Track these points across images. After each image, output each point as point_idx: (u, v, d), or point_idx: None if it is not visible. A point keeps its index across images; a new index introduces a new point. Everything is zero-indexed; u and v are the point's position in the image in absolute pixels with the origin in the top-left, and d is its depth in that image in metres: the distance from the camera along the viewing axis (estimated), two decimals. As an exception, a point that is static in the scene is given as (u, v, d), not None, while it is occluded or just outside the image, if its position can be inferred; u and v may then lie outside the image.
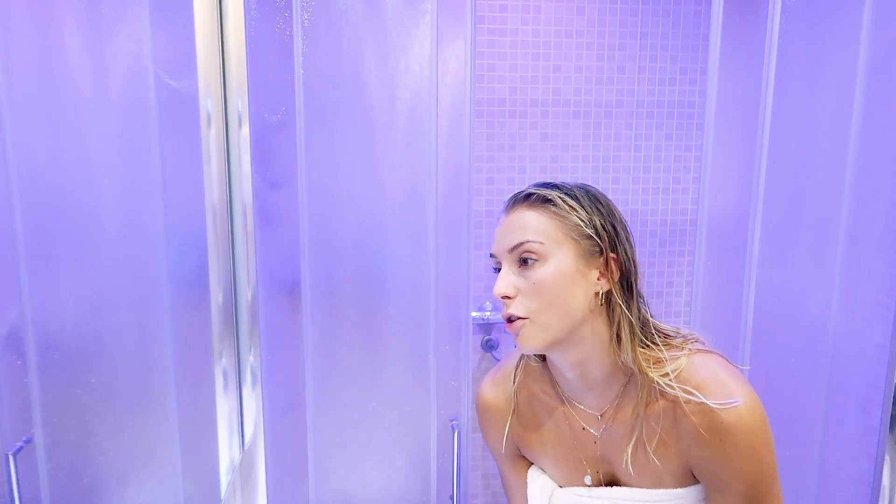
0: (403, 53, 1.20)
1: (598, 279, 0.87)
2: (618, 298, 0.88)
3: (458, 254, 1.27)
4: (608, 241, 0.88)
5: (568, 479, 0.98)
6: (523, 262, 0.86)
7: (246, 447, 1.54)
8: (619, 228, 0.89)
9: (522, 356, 1.02)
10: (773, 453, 0.84)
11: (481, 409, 1.04)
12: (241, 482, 1.51)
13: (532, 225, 0.87)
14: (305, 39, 1.17)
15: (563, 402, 0.96)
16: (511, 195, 0.93)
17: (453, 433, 1.31)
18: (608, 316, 0.89)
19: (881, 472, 1.31)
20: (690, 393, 0.84)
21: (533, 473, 1.02)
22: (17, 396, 1.10)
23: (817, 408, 1.34)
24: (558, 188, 0.90)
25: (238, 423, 1.55)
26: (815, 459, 1.35)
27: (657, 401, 0.87)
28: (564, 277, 0.85)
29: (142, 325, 1.16)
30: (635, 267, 0.90)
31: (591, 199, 0.90)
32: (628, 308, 0.88)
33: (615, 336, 0.88)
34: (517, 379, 1.01)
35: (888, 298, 1.26)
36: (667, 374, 0.86)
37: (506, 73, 1.80)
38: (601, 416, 0.93)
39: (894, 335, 1.25)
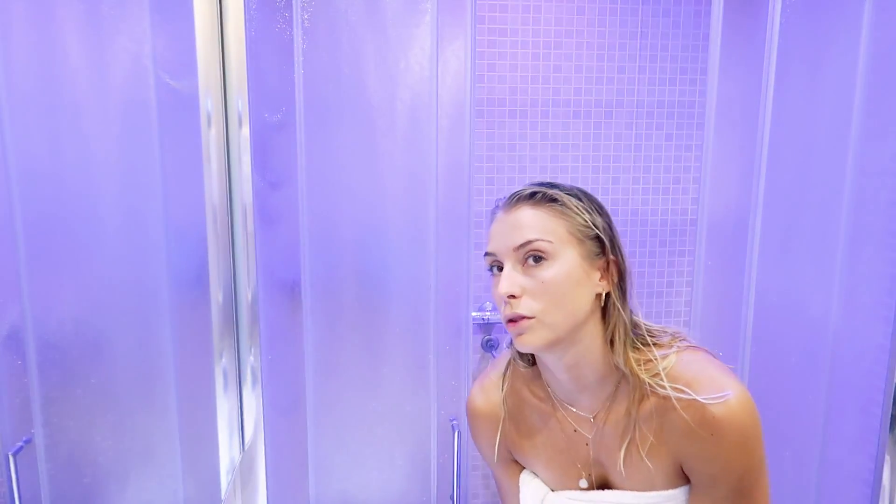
0: (403, 53, 1.20)
1: (599, 281, 0.88)
2: (615, 301, 0.88)
3: (458, 254, 1.27)
4: (610, 243, 0.88)
5: (560, 483, 0.98)
6: (531, 260, 0.85)
7: (246, 447, 1.54)
8: (616, 232, 0.90)
9: (510, 360, 1.01)
10: (762, 445, 0.85)
11: (471, 416, 1.04)
12: (242, 482, 1.51)
13: (539, 223, 0.86)
14: (305, 39, 1.17)
15: (554, 405, 0.96)
16: (509, 194, 0.92)
17: (453, 433, 1.31)
18: (603, 318, 0.89)
19: (881, 472, 1.31)
20: (682, 391, 0.84)
21: (525, 478, 1.02)
22: (17, 396, 1.10)
23: (817, 408, 1.34)
24: (560, 188, 0.89)
25: (238, 423, 1.54)
26: (815, 459, 1.35)
27: (648, 399, 0.87)
28: (571, 277, 0.85)
29: (142, 325, 1.16)
30: (629, 270, 0.91)
31: (592, 201, 0.90)
32: (623, 311, 0.89)
33: (609, 338, 0.89)
34: (506, 384, 1.01)
35: (888, 298, 1.26)
36: (658, 375, 0.86)
37: (506, 73, 1.80)
38: (594, 418, 0.93)
39: (894, 335, 1.25)
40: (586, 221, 0.86)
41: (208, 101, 1.39)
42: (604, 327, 0.89)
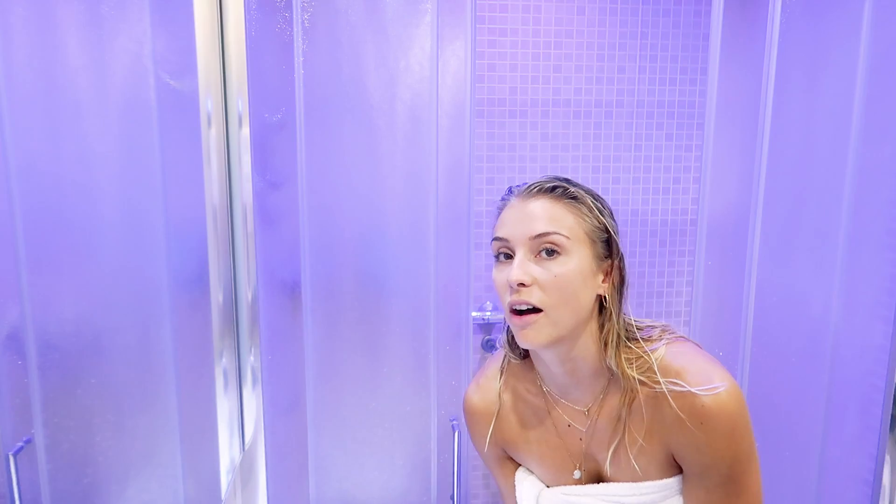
0: (403, 53, 1.20)
1: (602, 282, 0.89)
2: (613, 303, 0.90)
3: (458, 254, 1.27)
4: (616, 248, 0.90)
5: (555, 478, 0.99)
6: (544, 253, 0.85)
7: (246, 447, 1.54)
8: (615, 226, 0.92)
9: (506, 358, 1.02)
10: (751, 433, 0.86)
11: (468, 414, 1.04)
12: (242, 482, 1.51)
13: (559, 217, 0.86)
14: (305, 39, 1.17)
15: (548, 401, 0.97)
16: (527, 183, 0.91)
17: (453, 433, 1.31)
18: (599, 318, 0.91)
19: (881, 472, 1.31)
20: (674, 383, 0.86)
21: (520, 475, 1.03)
22: (18, 396, 1.10)
23: (817, 407, 1.34)
24: (578, 186, 0.90)
25: (238, 423, 1.54)
26: (815, 459, 1.35)
27: (639, 393, 0.89)
28: (582, 275, 0.86)
29: (142, 325, 1.16)
30: (628, 275, 0.93)
31: (601, 201, 0.91)
32: (618, 314, 0.90)
33: (604, 339, 0.90)
34: (502, 381, 1.01)
35: (888, 298, 1.26)
36: (650, 370, 0.88)
37: (506, 73, 1.80)
38: (587, 412, 0.94)
39: (894, 335, 1.25)
40: (601, 223, 0.88)
41: (208, 101, 1.39)
42: (599, 328, 0.90)
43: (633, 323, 0.93)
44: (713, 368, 0.86)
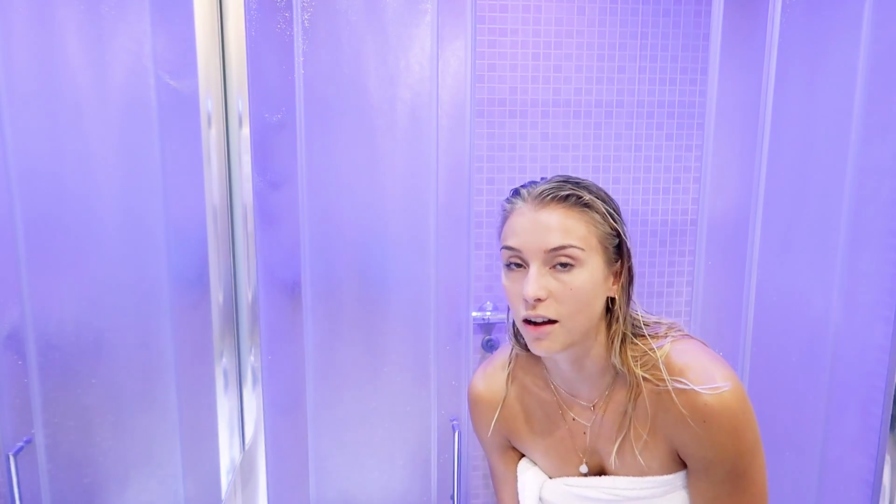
0: (404, 53, 1.20)
1: (612, 285, 0.89)
2: (621, 304, 0.90)
3: (458, 254, 1.27)
4: (626, 250, 0.89)
5: (558, 470, 1.00)
6: (560, 264, 0.84)
7: (246, 447, 1.54)
8: (627, 232, 0.91)
9: (513, 349, 1.02)
10: (755, 430, 0.87)
11: (473, 402, 1.05)
12: (242, 482, 1.51)
13: (573, 228, 0.84)
14: (306, 39, 1.17)
15: (554, 395, 0.98)
16: (534, 183, 0.88)
17: (454, 433, 1.31)
18: (607, 317, 0.91)
19: (881, 472, 1.31)
20: (678, 381, 0.86)
21: (522, 466, 1.04)
22: (18, 396, 1.10)
23: (817, 407, 1.34)
24: (588, 189, 0.88)
25: (238, 423, 1.54)
26: (815, 459, 1.35)
27: (644, 389, 0.90)
28: (595, 283, 0.86)
29: (142, 325, 1.16)
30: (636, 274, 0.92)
31: (612, 203, 0.90)
32: (626, 314, 0.90)
33: (611, 338, 0.91)
34: (509, 373, 1.02)
35: (888, 298, 1.26)
36: (655, 368, 0.88)
37: (506, 73, 1.80)
38: (593, 407, 0.95)
39: (894, 335, 1.25)
40: (612, 229, 0.87)
41: (208, 101, 1.39)
42: (607, 326, 0.91)
43: (641, 318, 0.94)
44: (717, 366, 0.87)
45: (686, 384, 0.85)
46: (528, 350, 1.00)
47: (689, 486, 0.91)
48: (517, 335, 0.99)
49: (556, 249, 0.83)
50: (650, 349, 0.90)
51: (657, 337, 0.92)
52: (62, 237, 1.09)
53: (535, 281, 0.83)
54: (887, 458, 1.35)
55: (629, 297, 0.91)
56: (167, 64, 1.13)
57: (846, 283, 1.29)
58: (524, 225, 0.86)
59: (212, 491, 1.32)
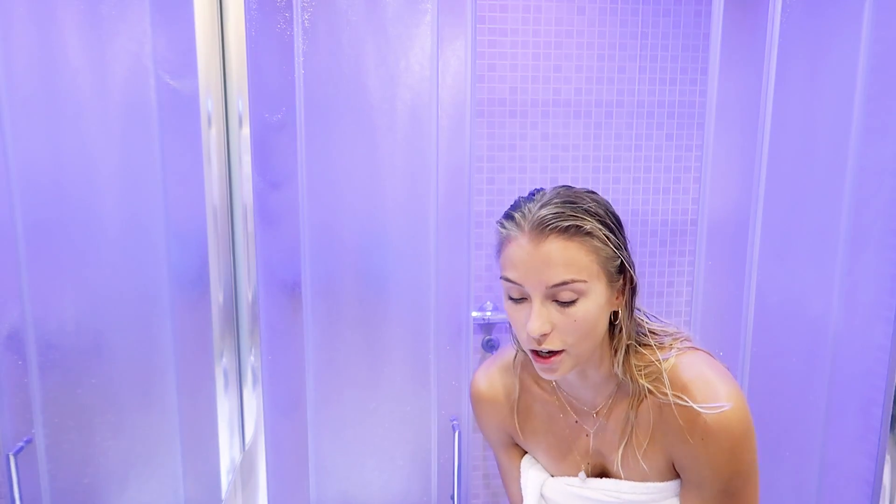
0: (404, 53, 1.20)
1: (615, 300, 0.88)
2: (624, 316, 0.89)
3: (459, 254, 1.27)
4: (629, 264, 0.87)
5: (560, 469, 1.00)
6: (564, 301, 0.82)
7: (246, 447, 1.54)
8: (627, 243, 0.88)
9: (517, 350, 1.02)
10: (753, 452, 0.86)
11: (475, 400, 1.05)
12: (242, 482, 1.51)
13: (575, 260, 0.81)
14: (306, 39, 1.17)
15: (558, 397, 0.98)
16: (536, 215, 0.82)
17: (454, 433, 1.31)
18: (610, 329, 0.90)
19: (881, 472, 1.31)
20: (679, 397, 0.86)
21: (525, 463, 1.04)
22: (18, 396, 1.10)
23: (818, 407, 1.34)
24: (589, 212, 0.83)
25: (239, 423, 1.55)
26: (816, 459, 1.35)
27: (647, 399, 0.90)
28: (600, 308, 0.84)
29: (142, 325, 1.16)
30: (636, 280, 0.90)
31: (612, 218, 0.86)
32: (630, 324, 0.90)
33: (614, 348, 0.90)
34: (513, 372, 1.02)
35: (888, 298, 1.26)
36: (659, 380, 0.88)
37: (506, 73, 1.80)
38: (596, 413, 0.95)
39: (894, 335, 1.25)
40: (614, 251, 0.84)
41: (209, 101, 1.39)
42: (611, 338, 0.90)
43: (645, 324, 0.93)
44: (722, 383, 0.86)
45: (688, 402, 0.85)
46: None
47: (681, 496, 0.91)
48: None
49: (558, 286, 0.81)
50: (656, 360, 0.89)
51: (663, 347, 0.91)
52: (62, 237, 1.09)
53: (539, 317, 0.81)
54: (887, 458, 1.35)
55: (632, 309, 0.90)
56: (167, 64, 1.13)
57: (846, 283, 1.29)
58: (523, 258, 0.82)
59: (212, 491, 1.32)
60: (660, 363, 0.89)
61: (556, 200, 0.84)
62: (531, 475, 1.02)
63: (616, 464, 0.93)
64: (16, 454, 1.07)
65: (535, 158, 1.84)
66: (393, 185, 1.25)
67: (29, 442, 1.10)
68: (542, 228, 0.81)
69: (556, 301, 0.82)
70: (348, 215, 1.25)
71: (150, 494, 1.21)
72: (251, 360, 1.55)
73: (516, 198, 0.90)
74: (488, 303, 1.86)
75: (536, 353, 0.85)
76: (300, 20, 1.16)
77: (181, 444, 1.19)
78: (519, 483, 1.05)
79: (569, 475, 0.99)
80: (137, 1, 1.07)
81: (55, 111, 1.06)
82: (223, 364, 1.46)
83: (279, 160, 1.25)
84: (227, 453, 1.44)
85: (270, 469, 1.31)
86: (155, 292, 1.15)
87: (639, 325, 0.92)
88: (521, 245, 0.83)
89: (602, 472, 0.98)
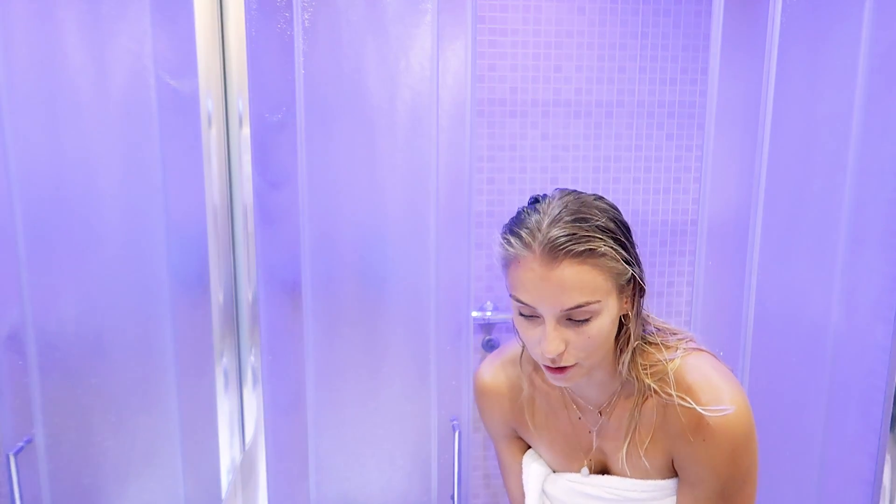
0: (404, 53, 1.20)
1: (624, 305, 0.87)
2: (632, 318, 0.89)
3: (459, 254, 1.27)
4: (639, 275, 0.86)
5: (562, 465, 1.01)
6: (578, 319, 0.81)
7: (247, 447, 1.54)
8: (636, 250, 0.87)
9: (524, 347, 1.02)
10: (753, 456, 0.86)
11: (480, 392, 1.05)
12: (242, 482, 1.51)
13: (587, 283, 0.79)
14: (306, 39, 1.17)
15: (562, 394, 0.99)
16: (546, 235, 0.79)
17: (454, 433, 1.31)
18: (618, 328, 0.90)
19: (881, 472, 1.31)
20: (685, 400, 0.86)
21: (527, 458, 1.05)
22: (18, 396, 1.10)
23: (818, 407, 1.34)
24: (601, 229, 0.81)
25: (239, 423, 1.55)
26: (816, 459, 1.35)
27: (651, 398, 0.90)
28: (612, 322, 0.84)
29: (143, 325, 1.16)
30: (645, 282, 0.89)
31: (622, 230, 0.84)
32: (637, 325, 0.89)
33: (619, 348, 0.90)
34: (519, 367, 1.02)
35: (888, 298, 1.26)
36: (663, 380, 0.88)
37: (506, 73, 1.80)
38: (599, 412, 0.96)
39: (894, 335, 1.25)
40: (625, 265, 0.82)
41: (209, 101, 1.39)
42: (616, 337, 0.90)
43: (652, 321, 0.93)
44: (726, 386, 0.86)
45: (691, 404, 0.85)
46: None
47: (677, 493, 0.92)
48: None
49: (571, 309, 0.80)
50: (662, 360, 0.89)
51: (669, 347, 0.91)
52: (62, 237, 1.09)
53: (553, 339, 0.81)
54: (887, 458, 1.35)
55: (640, 311, 0.89)
56: (167, 64, 1.13)
57: (846, 284, 1.29)
58: (535, 282, 0.80)
59: (212, 491, 1.32)
60: (666, 363, 0.89)
61: (565, 217, 0.81)
62: (533, 470, 1.03)
63: (619, 461, 0.93)
64: (16, 454, 1.07)
65: (536, 158, 1.84)
66: (393, 184, 1.25)
67: (29, 442, 1.10)
68: (555, 252, 0.79)
69: (570, 319, 0.81)
70: (348, 215, 1.25)
71: (150, 494, 1.21)
72: (251, 360, 1.55)
73: (519, 209, 0.87)
74: (488, 303, 1.86)
75: (550, 368, 0.85)
76: (300, 20, 1.16)
77: (181, 444, 1.19)
78: (519, 478, 1.05)
79: (571, 471, 1.00)
80: (137, 1, 1.07)
81: (55, 111, 1.06)
82: (223, 364, 1.46)
83: (279, 160, 1.25)
84: (227, 453, 1.44)
85: (270, 469, 1.31)
86: (155, 292, 1.15)
87: (645, 321, 0.92)
88: (532, 268, 0.80)
89: (603, 469, 0.98)
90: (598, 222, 0.81)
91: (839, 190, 1.28)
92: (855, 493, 1.35)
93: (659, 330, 0.93)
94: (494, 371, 1.04)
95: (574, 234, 0.79)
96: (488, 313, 1.85)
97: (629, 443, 0.92)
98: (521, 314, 0.84)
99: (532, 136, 1.83)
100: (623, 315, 0.88)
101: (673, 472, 0.92)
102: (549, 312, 0.81)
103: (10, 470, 1.06)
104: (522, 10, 1.78)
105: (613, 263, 0.81)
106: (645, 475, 0.93)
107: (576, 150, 1.86)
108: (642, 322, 0.91)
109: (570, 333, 0.82)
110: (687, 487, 0.90)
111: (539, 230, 0.80)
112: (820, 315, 1.32)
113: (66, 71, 1.06)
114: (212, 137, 1.40)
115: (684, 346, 0.91)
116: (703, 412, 0.84)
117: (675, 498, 0.93)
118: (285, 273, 1.27)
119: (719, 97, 1.24)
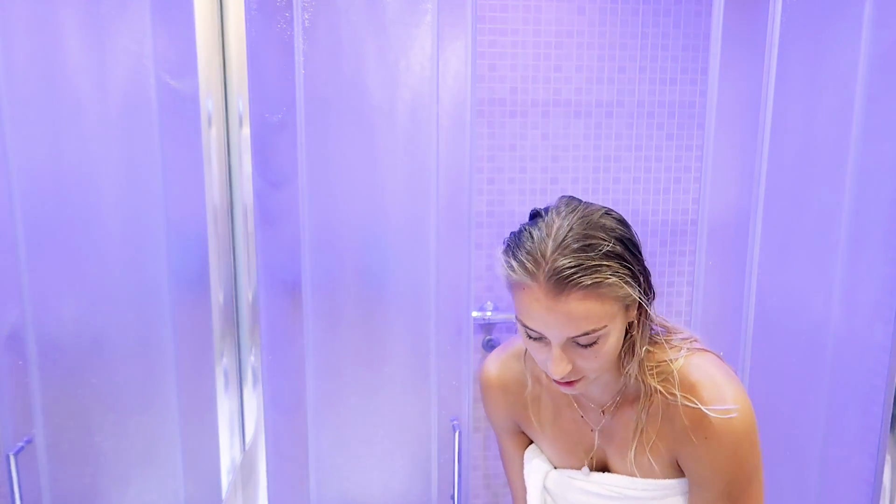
0: (404, 53, 1.20)
1: (630, 315, 0.87)
2: (638, 328, 0.88)
3: (459, 254, 1.27)
4: (646, 299, 0.85)
5: (563, 461, 1.01)
6: (586, 343, 0.81)
7: (247, 447, 1.54)
8: (644, 263, 0.86)
9: None
10: (756, 456, 0.87)
11: (485, 385, 1.06)
12: (242, 482, 1.51)
13: (594, 313, 0.78)
14: (306, 39, 1.17)
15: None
16: (553, 265, 0.77)
17: (454, 433, 1.31)
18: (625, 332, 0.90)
19: (881, 472, 1.31)
20: (689, 399, 0.86)
21: (529, 454, 1.05)
22: (18, 396, 1.10)
23: (817, 408, 1.34)
24: (608, 256, 0.78)
25: (239, 423, 1.55)
26: (816, 459, 1.35)
27: (655, 398, 0.90)
28: (619, 339, 0.84)
29: (143, 325, 1.16)
30: (653, 291, 0.88)
31: (631, 251, 0.82)
32: (645, 329, 0.89)
33: (624, 351, 0.89)
34: (524, 363, 1.02)
35: (888, 298, 1.26)
36: (668, 380, 0.88)
37: (506, 73, 1.80)
38: (602, 411, 0.96)
39: (894, 335, 1.25)
40: (630, 290, 0.81)
41: (209, 101, 1.39)
42: (623, 341, 0.89)
43: (658, 320, 0.93)
44: (729, 386, 0.86)
45: (695, 404, 0.85)
46: None
47: (689, 497, 0.92)
48: None
49: (579, 336, 0.80)
50: (666, 359, 0.89)
51: (673, 347, 0.91)
52: (62, 237, 1.09)
53: (560, 362, 0.81)
54: (887, 458, 1.35)
55: (645, 323, 0.89)
56: (167, 64, 1.13)
57: (847, 283, 1.29)
58: (541, 312, 0.79)
59: (212, 491, 1.32)
60: (670, 363, 0.89)
61: (572, 244, 0.78)
62: (534, 465, 1.03)
63: (626, 460, 0.93)
64: (16, 454, 1.07)
65: (536, 158, 1.84)
66: (393, 184, 1.25)
67: (29, 442, 1.10)
68: (561, 284, 0.77)
69: (577, 343, 0.81)
70: (348, 215, 1.25)
71: (150, 494, 1.21)
72: (251, 359, 1.55)
73: (520, 226, 0.85)
74: (488, 303, 1.86)
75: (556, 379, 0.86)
76: (300, 20, 1.16)
77: (181, 444, 1.19)
78: (521, 471, 1.06)
79: (572, 468, 1.00)
80: (137, 1, 1.07)
81: (55, 111, 1.06)
82: (223, 364, 1.46)
83: (279, 160, 1.25)
84: (228, 453, 1.44)
85: (270, 469, 1.31)
86: (155, 292, 1.15)
87: (651, 320, 0.92)
88: (537, 298, 0.79)
89: (604, 467, 0.99)
90: (606, 247, 0.79)
91: (839, 190, 1.28)
92: (855, 493, 1.35)
93: (664, 329, 0.93)
94: (500, 365, 1.04)
95: (581, 264, 0.77)
96: (488, 313, 1.85)
97: (629, 441, 0.92)
98: (528, 336, 0.84)
99: (532, 136, 1.83)
100: (630, 322, 0.87)
101: (674, 472, 0.93)
102: (555, 339, 0.81)
103: (10, 470, 1.06)
104: (522, 10, 1.78)
105: (621, 290, 0.80)
106: (646, 474, 0.93)
107: (576, 150, 1.86)
108: (650, 323, 0.91)
109: (576, 355, 0.82)
110: (695, 489, 0.90)
111: (544, 258, 0.78)
112: (820, 315, 1.32)
113: (66, 71, 1.06)
114: (212, 137, 1.40)
115: (688, 346, 0.91)
116: (706, 411, 0.84)
117: (675, 498, 0.93)
118: (285, 273, 1.27)
119: (719, 97, 1.24)
